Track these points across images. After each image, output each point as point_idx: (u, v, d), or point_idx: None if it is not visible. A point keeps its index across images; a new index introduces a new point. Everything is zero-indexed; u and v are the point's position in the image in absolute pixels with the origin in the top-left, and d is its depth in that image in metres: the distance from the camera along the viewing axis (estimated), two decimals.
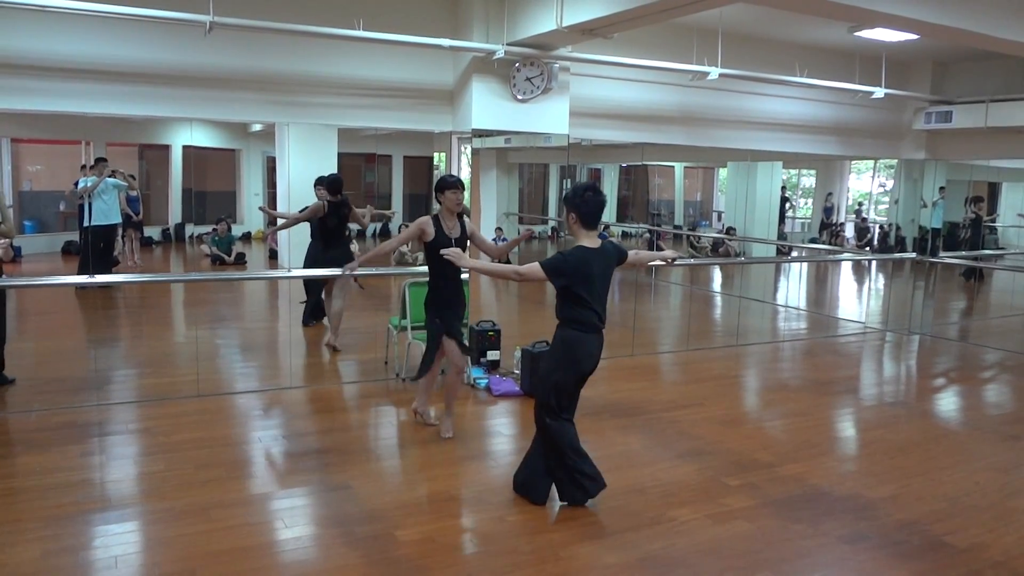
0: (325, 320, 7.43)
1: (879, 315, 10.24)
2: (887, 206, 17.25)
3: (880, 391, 6.54)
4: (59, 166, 10.82)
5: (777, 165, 14.32)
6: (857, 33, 6.48)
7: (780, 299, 12.00)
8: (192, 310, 9.49)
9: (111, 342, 7.46)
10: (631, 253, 4.04)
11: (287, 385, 5.93)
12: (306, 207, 7.05)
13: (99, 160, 8.80)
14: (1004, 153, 9.70)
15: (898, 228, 13.59)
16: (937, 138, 9.42)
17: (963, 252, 10.97)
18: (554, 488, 3.89)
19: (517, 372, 5.91)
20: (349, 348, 7.01)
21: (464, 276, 4.83)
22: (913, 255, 9.27)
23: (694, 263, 11.40)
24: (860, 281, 14.24)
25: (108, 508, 3.69)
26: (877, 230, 16.29)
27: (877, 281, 13.96)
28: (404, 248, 11.61)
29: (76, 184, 8.94)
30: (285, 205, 9.27)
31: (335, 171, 8.07)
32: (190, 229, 11.56)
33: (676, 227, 16.49)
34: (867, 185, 18.82)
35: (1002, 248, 14.20)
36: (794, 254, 14.69)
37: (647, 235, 14.31)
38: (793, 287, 13.37)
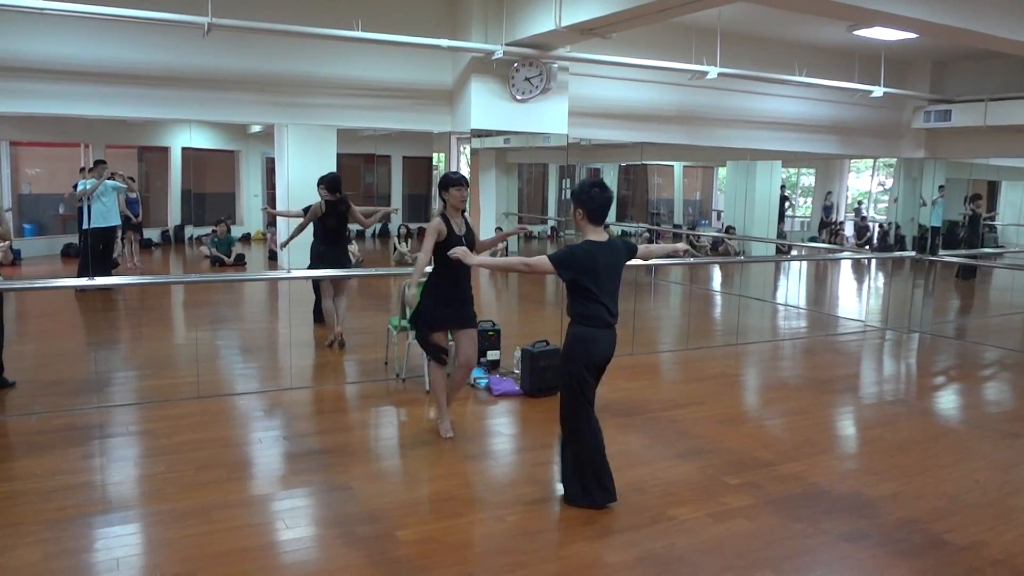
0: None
1: (879, 313, 10.24)
2: (886, 205, 17.26)
3: (880, 389, 6.54)
4: (58, 169, 10.81)
5: (776, 164, 14.33)
6: (856, 32, 6.49)
7: (780, 298, 12.00)
8: (192, 312, 9.50)
9: (111, 344, 7.46)
10: (641, 247, 4.15)
11: (287, 386, 5.93)
12: (309, 206, 7.07)
13: (98, 162, 8.79)
14: (1003, 152, 9.71)
15: (897, 227, 13.61)
16: (936, 137, 9.42)
17: (962, 251, 10.97)
18: (559, 487, 3.89)
19: (517, 372, 5.92)
20: (349, 348, 7.01)
21: None
22: (912, 254, 9.27)
23: (694, 262, 11.40)
24: (860, 280, 14.25)
25: (109, 510, 3.69)
26: (877, 229, 16.30)
27: (877, 280, 13.96)
28: (404, 248, 11.64)
29: (75, 187, 8.93)
30: (284, 206, 9.27)
31: (334, 171, 8.08)
32: (190, 231, 11.56)
33: (676, 226, 16.49)
34: (866, 184, 18.83)
35: (1002, 247, 14.21)
36: (794, 253, 14.70)
37: (646, 234, 14.31)
38: (793, 286, 13.37)
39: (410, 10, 6.06)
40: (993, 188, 14.68)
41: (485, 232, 5.78)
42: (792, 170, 17.99)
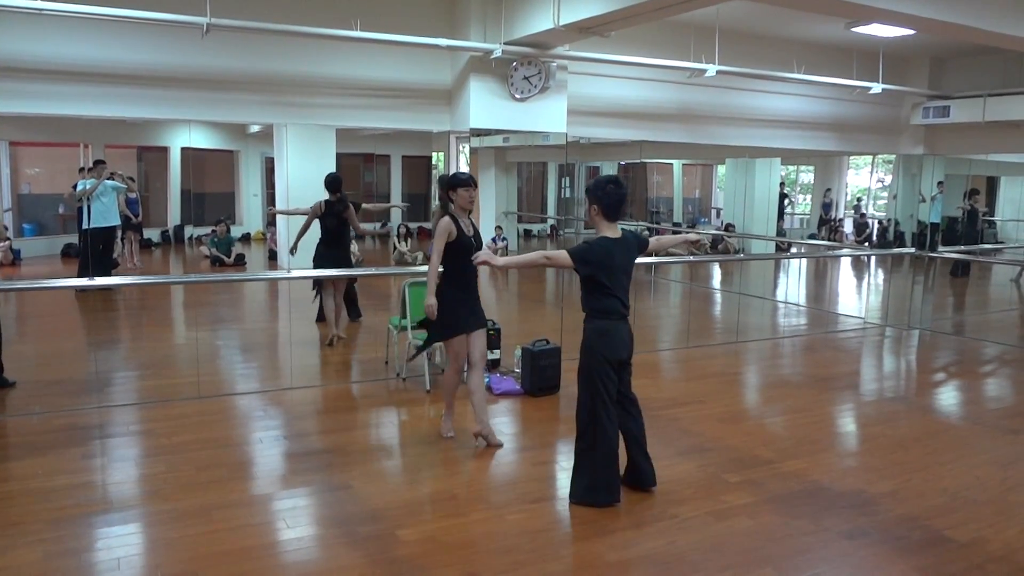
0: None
1: (878, 310, 10.24)
2: (886, 201, 17.28)
3: (880, 386, 6.54)
4: (58, 169, 10.82)
5: (775, 161, 14.34)
6: (854, 29, 6.50)
7: (779, 295, 12.01)
8: (192, 312, 9.49)
9: (111, 344, 7.46)
10: (652, 239, 4.20)
11: (287, 386, 5.93)
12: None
13: (98, 162, 8.79)
14: (1002, 147, 9.72)
15: (897, 223, 13.62)
16: (935, 133, 9.43)
17: (961, 247, 10.97)
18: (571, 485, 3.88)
19: (517, 371, 5.92)
20: (349, 348, 7.01)
21: None
22: (912, 250, 9.28)
23: (693, 260, 11.41)
24: (859, 277, 14.25)
25: (110, 510, 3.70)
26: (876, 225, 16.31)
27: (876, 276, 13.96)
28: (404, 248, 11.64)
29: (75, 187, 8.93)
30: (284, 206, 9.28)
31: (334, 170, 8.09)
32: (189, 231, 11.57)
33: (675, 224, 16.50)
34: (866, 181, 18.84)
35: (1001, 242, 14.21)
36: (793, 250, 14.70)
37: (646, 232, 14.30)
38: (792, 283, 13.38)
39: (409, 10, 6.06)
40: (992, 184, 14.69)
41: (485, 231, 5.78)
42: (791, 167, 18.01)
